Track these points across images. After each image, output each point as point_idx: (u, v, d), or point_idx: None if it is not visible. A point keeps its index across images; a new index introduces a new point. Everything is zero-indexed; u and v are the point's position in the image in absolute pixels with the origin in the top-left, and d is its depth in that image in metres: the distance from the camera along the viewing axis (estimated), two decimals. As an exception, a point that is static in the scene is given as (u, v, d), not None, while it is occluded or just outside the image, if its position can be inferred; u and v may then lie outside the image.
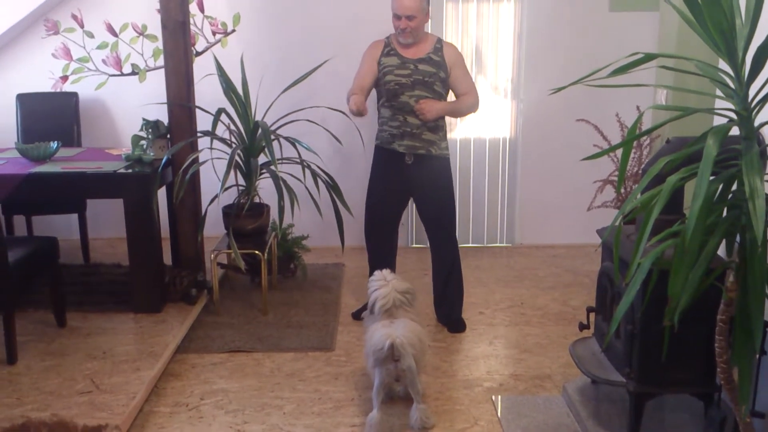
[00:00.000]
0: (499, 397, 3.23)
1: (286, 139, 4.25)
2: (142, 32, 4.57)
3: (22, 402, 3.04)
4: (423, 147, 3.78)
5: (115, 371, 3.32)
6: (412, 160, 3.80)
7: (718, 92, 2.10)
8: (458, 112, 3.98)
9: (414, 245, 5.40)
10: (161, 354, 3.48)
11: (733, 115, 2.04)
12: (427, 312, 4.08)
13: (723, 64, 2.05)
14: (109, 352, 3.51)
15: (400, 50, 3.78)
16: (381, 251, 4.00)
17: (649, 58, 2.05)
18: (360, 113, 3.62)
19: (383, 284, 3.20)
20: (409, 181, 3.85)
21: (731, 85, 2.02)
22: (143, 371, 3.31)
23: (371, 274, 3.69)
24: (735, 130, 2.02)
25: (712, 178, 1.84)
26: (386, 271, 3.29)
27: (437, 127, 3.81)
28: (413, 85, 3.72)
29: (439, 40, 3.83)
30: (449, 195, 3.90)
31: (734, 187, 2.04)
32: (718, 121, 2.37)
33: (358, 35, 5.07)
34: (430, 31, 4.03)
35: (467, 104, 3.85)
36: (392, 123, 3.80)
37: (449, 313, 3.98)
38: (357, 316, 4.03)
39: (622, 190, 4.41)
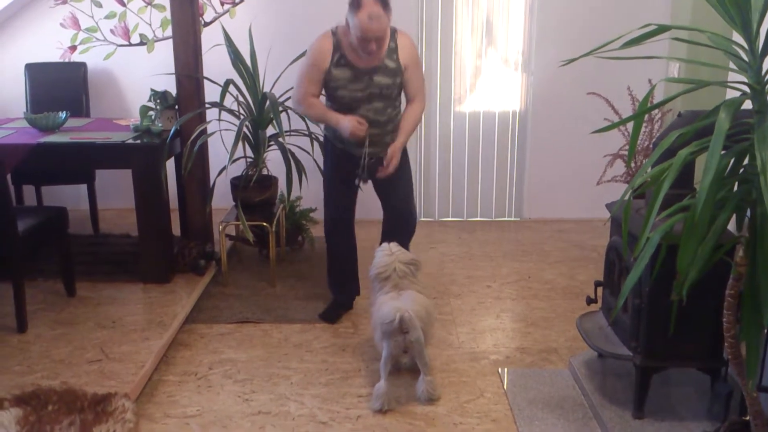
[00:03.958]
0: (506, 369, 3.24)
1: (294, 110, 4.23)
2: (150, 2, 4.55)
3: (33, 370, 3.07)
4: (384, 149, 3.43)
5: (125, 340, 3.35)
6: (373, 159, 3.45)
7: (732, 65, 2.07)
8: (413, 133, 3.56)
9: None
10: (170, 324, 3.51)
11: (746, 89, 2.01)
12: (433, 285, 4.09)
13: (737, 37, 2.02)
14: (119, 322, 3.54)
15: (352, 59, 3.32)
16: (347, 252, 3.74)
17: (662, 29, 2.02)
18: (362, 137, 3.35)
19: (388, 255, 3.22)
20: (369, 174, 3.50)
21: (745, 57, 1.99)
22: (152, 341, 3.34)
23: (333, 281, 3.74)
24: (747, 104, 2.00)
25: (723, 152, 1.82)
26: (393, 244, 3.29)
27: (396, 128, 3.47)
28: (369, 98, 3.36)
29: (393, 36, 3.34)
30: (410, 174, 3.63)
31: (746, 161, 2.02)
32: (731, 94, 2.34)
33: (367, 6, 5.04)
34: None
35: (417, 120, 3.50)
36: None
37: None
38: (325, 317, 3.74)
39: (632, 165, 4.39)
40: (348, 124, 3.32)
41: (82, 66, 5.00)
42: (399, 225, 3.63)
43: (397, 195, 3.60)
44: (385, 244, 3.30)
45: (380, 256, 3.24)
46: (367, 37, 3.16)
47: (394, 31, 3.36)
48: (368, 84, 3.35)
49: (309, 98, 3.43)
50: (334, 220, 3.65)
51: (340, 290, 3.79)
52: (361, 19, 3.12)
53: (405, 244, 3.54)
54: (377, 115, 3.40)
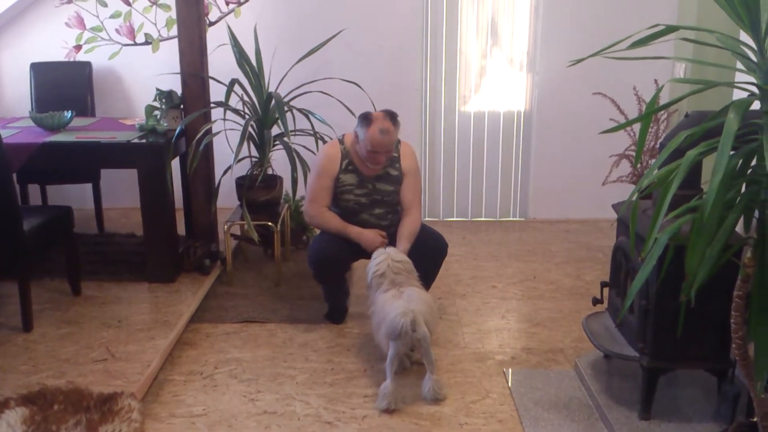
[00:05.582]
0: (511, 370, 3.23)
1: (300, 110, 4.24)
2: (155, 1, 4.56)
3: (38, 369, 3.08)
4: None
5: (130, 340, 3.35)
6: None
7: (739, 65, 2.06)
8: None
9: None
10: (175, 323, 3.51)
11: (755, 89, 2.01)
12: (438, 285, 4.08)
13: (745, 37, 2.02)
14: (124, 321, 3.54)
15: (359, 165, 3.50)
16: (340, 283, 3.67)
17: (670, 29, 2.01)
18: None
19: (380, 254, 3.25)
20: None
21: (753, 58, 1.98)
22: (158, 340, 3.34)
23: (325, 297, 3.69)
24: (756, 105, 1.99)
25: (732, 153, 1.81)
26: (390, 248, 3.31)
27: (395, 214, 3.61)
28: (372, 204, 3.53)
29: (396, 146, 3.51)
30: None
31: (754, 162, 2.01)
32: (738, 95, 2.33)
33: (372, 6, 5.05)
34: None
35: (417, 229, 3.52)
36: None
37: None
38: (330, 318, 3.72)
39: (639, 165, 4.38)
40: (371, 238, 3.47)
41: (87, 65, 5.00)
42: (432, 253, 3.56)
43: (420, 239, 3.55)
44: (381, 249, 3.33)
45: (373, 258, 3.28)
46: (378, 150, 3.36)
47: (397, 142, 3.52)
48: (372, 190, 3.52)
49: (325, 212, 3.55)
50: (324, 257, 3.50)
51: (334, 301, 3.73)
52: (372, 133, 3.33)
53: (438, 264, 3.61)
54: (379, 220, 3.56)
